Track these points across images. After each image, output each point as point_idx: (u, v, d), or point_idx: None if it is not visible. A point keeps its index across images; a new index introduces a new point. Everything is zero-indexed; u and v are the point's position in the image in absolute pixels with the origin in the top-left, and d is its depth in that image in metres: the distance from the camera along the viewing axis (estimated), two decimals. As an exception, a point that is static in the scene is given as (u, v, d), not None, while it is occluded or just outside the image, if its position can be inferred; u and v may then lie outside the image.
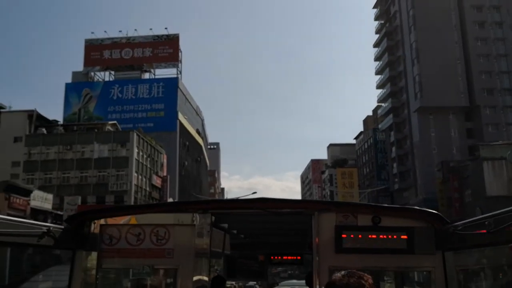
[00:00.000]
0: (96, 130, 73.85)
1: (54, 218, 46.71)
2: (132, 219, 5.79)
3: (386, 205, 5.67)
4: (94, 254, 5.50)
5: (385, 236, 5.15)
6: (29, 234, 4.33)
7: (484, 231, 3.89)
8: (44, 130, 72.16)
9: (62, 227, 5.05)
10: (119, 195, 68.49)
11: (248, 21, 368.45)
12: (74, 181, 69.55)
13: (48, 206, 49.48)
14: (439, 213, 5.21)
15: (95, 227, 5.53)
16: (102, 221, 5.62)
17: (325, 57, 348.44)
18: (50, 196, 50.77)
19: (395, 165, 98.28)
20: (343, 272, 2.83)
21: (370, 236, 5.17)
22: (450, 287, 4.97)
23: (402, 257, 5.14)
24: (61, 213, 51.11)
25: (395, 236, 5.14)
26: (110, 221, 5.70)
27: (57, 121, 77.05)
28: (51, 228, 4.61)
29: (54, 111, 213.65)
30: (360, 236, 5.18)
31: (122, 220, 5.77)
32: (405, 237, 5.11)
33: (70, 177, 69.81)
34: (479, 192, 55.33)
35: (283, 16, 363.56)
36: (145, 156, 74.59)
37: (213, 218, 5.86)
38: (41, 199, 48.37)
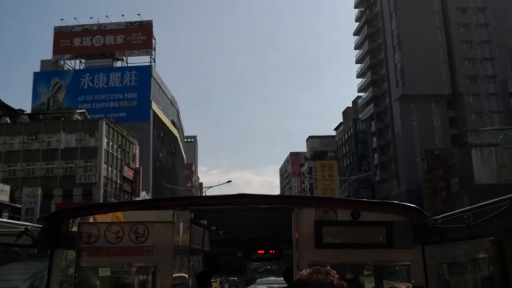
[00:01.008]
0: (63, 119, 69.78)
1: (11, 211, 43.13)
2: (119, 216, 5.65)
3: (365, 199, 5.75)
4: (72, 253, 5.42)
5: (364, 231, 5.18)
6: (6, 233, 4.32)
7: (463, 224, 3.87)
8: (8, 119, 68.15)
9: (40, 226, 5.02)
10: (88, 188, 64.87)
11: (224, 11, 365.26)
12: (40, 173, 65.49)
13: (4, 198, 45.70)
14: (418, 207, 5.21)
15: (73, 225, 5.47)
16: (80, 219, 5.53)
17: (304, 49, 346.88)
18: (7, 188, 47.02)
19: (376, 155, 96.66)
20: (309, 270, 2.82)
21: (349, 230, 5.20)
22: (429, 280, 5.04)
23: (382, 251, 5.18)
24: (19, 205, 47.40)
25: (374, 231, 5.17)
26: (90, 218, 5.61)
27: (22, 110, 72.94)
28: (29, 227, 4.58)
29: (22, 102, 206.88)
30: (339, 231, 5.23)
31: (108, 218, 5.65)
32: (384, 231, 5.14)
33: (36, 169, 65.71)
34: (467, 181, 53.00)
35: (262, 7, 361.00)
36: (115, 147, 70.84)
37: (192, 214, 5.71)
38: (-5, 191, 44.66)
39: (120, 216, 5.64)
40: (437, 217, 4.69)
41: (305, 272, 2.78)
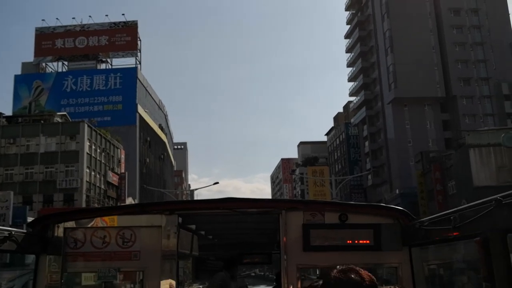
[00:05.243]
0: (42, 122, 66.82)
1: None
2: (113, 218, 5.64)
3: (352, 202, 6.11)
4: (58, 258, 5.33)
5: (352, 233, 5.17)
6: None
7: (450, 226, 3.87)
8: (-16, 123, 65.28)
9: (25, 231, 4.99)
10: (69, 193, 61.88)
11: (213, 17, 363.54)
12: (18, 178, 62.40)
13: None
14: (405, 210, 5.21)
15: (59, 230, 5.40)
16: (66, 224, 5.48)
17: (294, 55, 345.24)
18: (-25, 192, 44.17)
19: (368, 160, 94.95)
20: (340, 268, 2.79)
21: (337, 233, 5.19)
22: (416, 282, 5.03)
23: (369, 253, 5.16)
24: (-10, 211, 44.69)
25: (362, 233, 5.17)
26: (76, 223, 5.56)
27: (1, 113, 70.01)
28: (13, 232, 4.49)
29: (3, 106, 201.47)
30: (327, 234, 5.21)
31: (97, 222, 5.63)
32: (372, 234, 5.13)
33: (14, 174, 62.62)
34: (464, 183, 50.71)
35: (252, 13, 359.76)
36: (98, 151, 67.90)
37: (180, 219, 5.66)
38: (-41, 195, 41.77)
39: (114, 219, 5.61)
40: (423, 219, 4.66)
41: (335, 269, 2.70)
